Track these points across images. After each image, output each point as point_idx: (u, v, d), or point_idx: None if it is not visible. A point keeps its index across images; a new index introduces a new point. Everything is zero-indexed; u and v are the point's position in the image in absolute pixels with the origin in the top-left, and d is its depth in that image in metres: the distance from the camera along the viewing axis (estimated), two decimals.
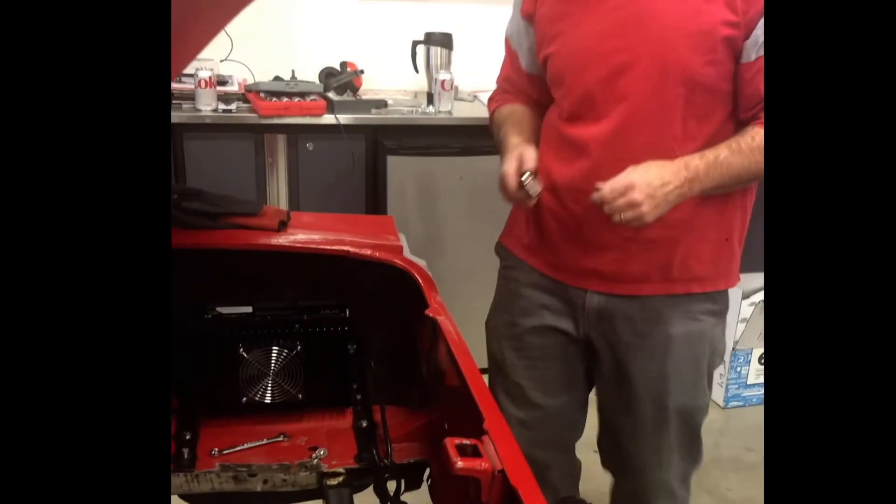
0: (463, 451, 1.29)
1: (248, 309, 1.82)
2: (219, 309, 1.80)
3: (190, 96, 3.34)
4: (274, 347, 1.80)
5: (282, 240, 1.78)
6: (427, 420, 1.83)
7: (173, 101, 3.37)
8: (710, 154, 1.50)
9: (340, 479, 1.81)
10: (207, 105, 3.27)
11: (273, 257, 1.80)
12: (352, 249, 1.77)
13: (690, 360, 1.76)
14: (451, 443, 1.29)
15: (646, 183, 1.45)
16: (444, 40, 3.45)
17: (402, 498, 1.80)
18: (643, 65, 1.53)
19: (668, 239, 1.63)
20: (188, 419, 1.78)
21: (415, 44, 3.48)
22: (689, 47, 1.48)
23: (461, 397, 1.55)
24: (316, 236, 1.81)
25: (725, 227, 1.68)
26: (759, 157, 1.46)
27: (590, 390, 1.98)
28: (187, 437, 1.74)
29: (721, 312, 1.77)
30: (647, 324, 1.74)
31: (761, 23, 1.42)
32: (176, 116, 3.29)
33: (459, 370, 1.58)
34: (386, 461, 1.74)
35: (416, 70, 3.54)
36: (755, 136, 1.49)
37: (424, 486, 1.80)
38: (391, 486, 1.78)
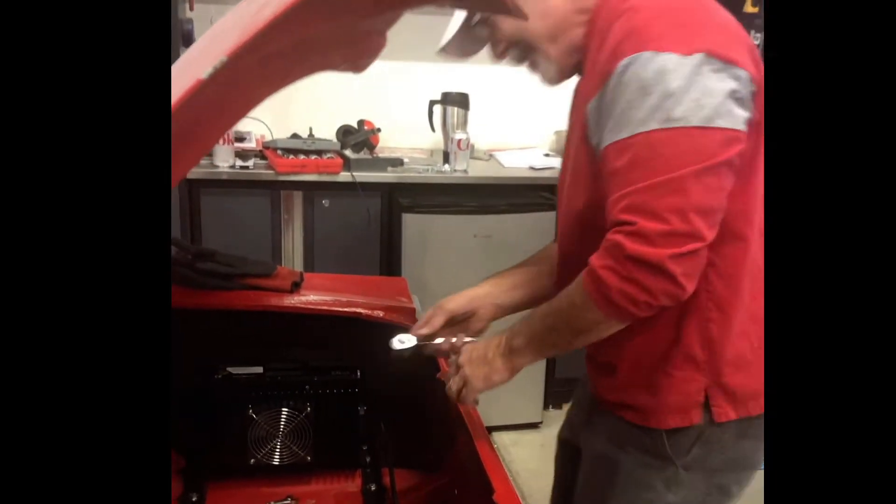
0: None
1: (259, 369, 1.82)
2: (229, 369, 1.80)
3: (208, 152, 3.38)
4: (284, 409, 1.80)
5: (294, 301, 1.79)
6: (437, 484, 1.81)
7: None
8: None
9: None
10: (225, 161, 3.30)
11: (285, 318, 1.80)
12: (364, 311, 1.78)
13: (593, 486, 1.48)
14: None
15: (469, 349, 1.41)
16: (460, 100, 3.49)
17: None
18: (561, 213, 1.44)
19: (608, 364, 1.39)
20: (195, 480, 1.77)
21: (431, 103, 3.52)
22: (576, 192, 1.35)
23: (472, 463, 1.54)
24: (328, 298, 1.81)
25: (656, 352, 1.32)
26: (565, 304, 1.26)
27: None
28: (194, 500, 1.73)
29: (665, 458, 1.33)
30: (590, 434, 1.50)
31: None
32: (193, 172, 3.31)
33: (470, 435, 1.57)
34: None
35: (433, 129, 3.57)
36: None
37: None
38: None
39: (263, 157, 3.39)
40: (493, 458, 1.46)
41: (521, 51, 1.35)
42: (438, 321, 1.52)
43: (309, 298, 1.79)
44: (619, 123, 1.13)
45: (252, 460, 1.80)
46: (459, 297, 1.53)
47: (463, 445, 1.65)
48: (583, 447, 1.50)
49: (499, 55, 1.38)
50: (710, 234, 1.11)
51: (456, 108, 3.47)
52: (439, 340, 1.53)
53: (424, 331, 1.52)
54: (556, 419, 2.08)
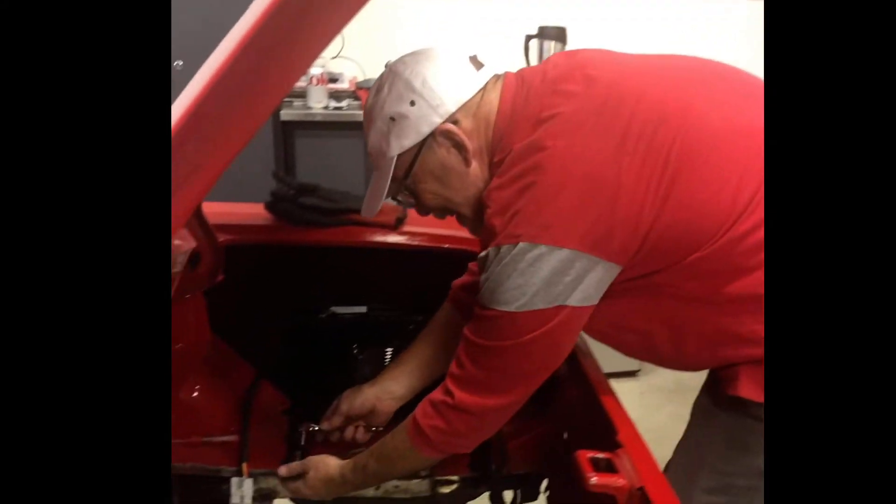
0: (596, 466, 1.20)
1: (363, 309, 1.77)
2: (333, 308, 1.75)
3: (301, 94, 3.33)
4: (389, 349, 1.74)
5: (399, 237, 1.72)
6: (545, 429, 1.74)
7: (285, 99, 3.37)
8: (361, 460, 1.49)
9: (453, 487, 1.74)
10: (318, 102, 3.25)
11: (389, 255, 1.74)
12: (470, 247, 1.70)
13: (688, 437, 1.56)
14: (583, 456, 1.21)
15: (321, 464, 1.53)
16: (557, 34, 3.36)
17: None
18: None
19: None
20: (299, 422, 1.74)
21: (528, 38, 3.39)
22: None
23: (585, 406, 1.46)
24: (433, 233, 1.74)
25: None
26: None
27: None
28: (301, 442, 1.69)
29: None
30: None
31: None
32: (287, 114, 3.28)
33: (585, 377, 1.49)
34: (502, 472, 1.66)
35: (528, 65, 3.44)
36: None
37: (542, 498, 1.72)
38: (507, 496, 1.70)
39: (357, 98, 3.33)
40: (615, 402, 1.38)
41: (447, 211, 1.40)
42: (336, 422, 1.61)
43: (413, 234, 1.72)
44: None
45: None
46: (359, 396, 1.59)
47: (571, 389, 1.58)
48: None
49: (423, 214, 1.44)
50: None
51: (553, 43, 3.35)
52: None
53: (325, 426, 1.62)
54: (654, 367, 2.00)
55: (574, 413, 1.65)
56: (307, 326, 1.74)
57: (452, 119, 1.28)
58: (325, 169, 3.21)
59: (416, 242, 1.72)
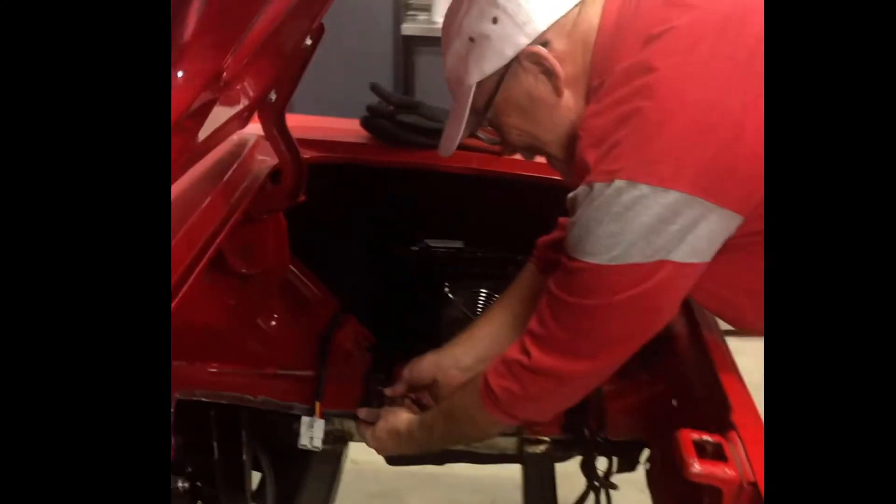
0: (702, 450, 1.01)
1: (459, 244, 1.61)
2: (427, 241, 1.60)
3: (425, 6, 3.16)
4: (483, 290, 1.60)
5: (506, 164, 1.54)
6: (650, 392, 1.55)
7: (407, 13, 3.20)
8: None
9: (543, 447, 1.59)
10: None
11: (493, 184, 1.57)
12: None
13: None
14: (686, 437, 1.02)
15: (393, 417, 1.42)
16: None
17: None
18: None
19: None
20: (383, 361, 1.61)
21: None
22: None
23: (699, 374, 1.29)
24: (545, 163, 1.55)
25: None
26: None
27: None
28: (382, 378, 1.57)
29: None
30: None
31: None
32: (409, 28, 3.12)
33: (700, 340, 1.29)
34: (598, 436, 1.49)
35: None
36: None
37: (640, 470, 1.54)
38: (601, 463, 1.55)
39: None
40: (733, 375, 1.21)
41: (535, 151, 1.23)
42: (400, 390, 1.46)
43: (522, 162, 1.54)
44: None
45: (444, 343, 1.60)
46: (423, 364, 1.43)
47: (689, 350, 1.39)
48: None
49: (508, 153, 1.32)
50: None
51: None
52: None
53: (388, 393, 1.48)
54: None
55: (686, 378, 1.46)
56: (397, 258, 1.61)
57: (542, 40, 1.08)
58: (444, 87, 3.04)
59: (523, 172, 1.54)
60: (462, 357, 1.41)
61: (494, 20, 1.07)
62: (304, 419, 1.49)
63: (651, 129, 0.96)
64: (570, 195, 1.06)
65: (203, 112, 1.03)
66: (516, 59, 1.09)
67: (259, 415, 1.54)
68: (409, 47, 3.15)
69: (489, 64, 1.10)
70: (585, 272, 1.03)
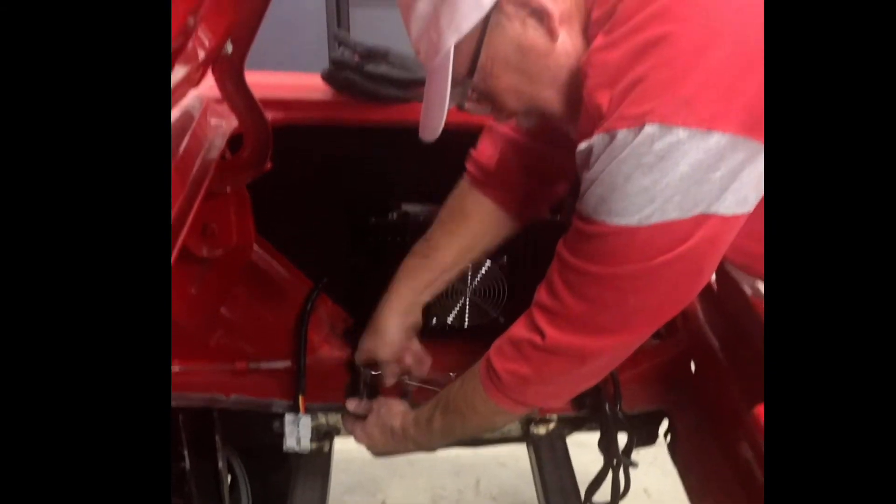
0: None
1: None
2: (405, 206, 1.43)
3: None
4: None
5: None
6: (667, 356, 1.42)
7: None
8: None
9: (550, 427, 1.45)
10: None
11: (476, 138, 1.40)
12: None
13: None
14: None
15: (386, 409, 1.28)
16: None
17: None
18: None
19: None
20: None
21: None
22: None
23: (727, 325, 1.17)
24: None
25: None
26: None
27: None
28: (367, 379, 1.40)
29: None
30: None
31: None
32: None
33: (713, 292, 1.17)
34: (616, 411, 1.35)
35: None
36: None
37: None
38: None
39: None
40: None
41: (537, 113, 1.02)
42: (390, 381, 1.36)
43: None
44: None
45: (433, 320, 1.44)
46: (363, 348, 1.33)
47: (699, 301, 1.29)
48: None
49: (504, 121, 1.16)
50: None
51: None
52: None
53: (351, 407, 1.34)
54: None
55: (704, 337, 1.34)
56: (373, 227, 1.43)
57: None
58: (384, 39, 2.84)
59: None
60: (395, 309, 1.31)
61: None
62: (288, 417, 1.32)
63: (684, 61, 0.80)
64: (582, 146, 0.88)
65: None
66: (497, 7, 0.91)
67: (232, 417, 1.37)
68: (342, 2, 2.95)
69: (466, 19, 0.91)
70: (611, 236, 0.87)
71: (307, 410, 1.33)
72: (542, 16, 0.90)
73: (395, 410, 1.25)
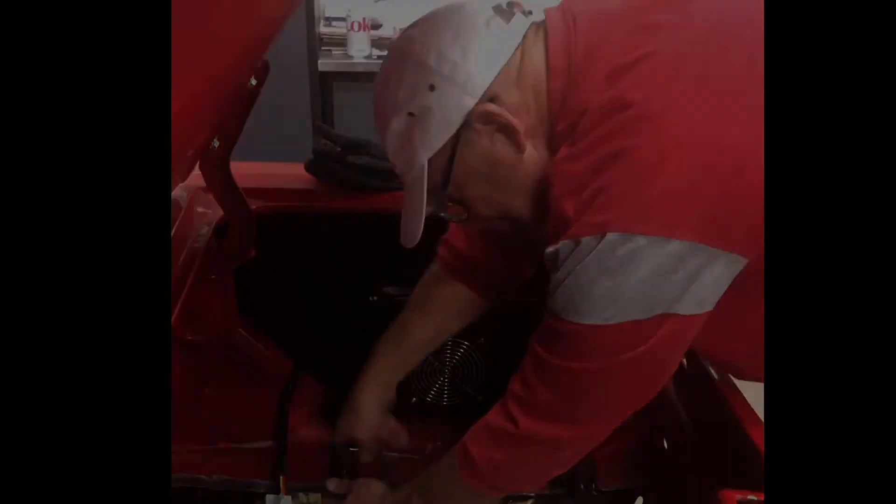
0: None
1: None
2: (387, 289, 1.48)
3: (341, 41, 3.05)
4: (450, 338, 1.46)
5: None
6: (641, 434, 1.46)
7: (323, 48, 3.08)
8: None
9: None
10: (360, 51, 2.98)
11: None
12: None
13: None
14: (731, 499, 0.92)
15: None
16: None
17: None
18: None
19: None
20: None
21: None
22: None
23: (700, 405, 1.23)
24: None
25: None
26: None
27: None
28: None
29: None
30: None
31: None
32: (326, 64, 3.02)
33: (704, 368, 1.22)
34: (591, 490, 1.38)
35: None
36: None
37: None
38: None
39: None
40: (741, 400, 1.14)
41: (508, 219, 1.07)
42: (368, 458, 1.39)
43: None
44: None
45: (413, 399, 1.48)
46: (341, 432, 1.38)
47: (684, 384, 1.34)
48: None
49: (480, 227, 1.22)
50: None
51: None
52: None
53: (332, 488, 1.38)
54: None
55: (677, 415, 1.37)
56: (355, 310, 1.48)
57: (489, 96, 0.95)
58: (368, 126, 2.91)
59: None
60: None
61: (432, 87, 0.95)
62: (269, 498, 1.34)
63: (641, 173, 0.84)
64: (549, 250, 0.93)
65: None
66: (466, 124, 0.96)
67: (214, 497, 1.39)
68: (325, 84, 3.03)
69: (437, 138, 0.97)
70: (579, 334, 0.92)
71: (288, 491, 1.36)
72: (509, 131, 0.96)
73: (374, 492, 1.28)
